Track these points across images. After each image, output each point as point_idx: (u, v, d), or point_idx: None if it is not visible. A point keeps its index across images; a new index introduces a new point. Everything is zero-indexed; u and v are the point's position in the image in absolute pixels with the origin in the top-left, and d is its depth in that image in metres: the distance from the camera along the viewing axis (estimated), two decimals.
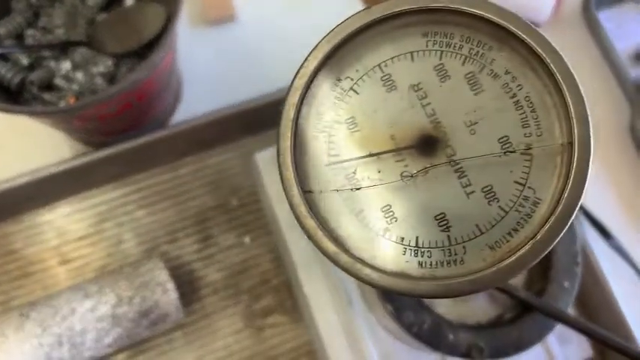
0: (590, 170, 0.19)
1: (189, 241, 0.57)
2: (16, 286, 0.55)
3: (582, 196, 0.19)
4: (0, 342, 0.46)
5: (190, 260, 0.57)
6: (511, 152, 0.20)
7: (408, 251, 0.20)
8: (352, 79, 0.22)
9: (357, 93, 0.22)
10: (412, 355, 0.52)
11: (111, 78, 0.51)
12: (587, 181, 0.19)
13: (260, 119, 0.59)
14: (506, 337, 0.43)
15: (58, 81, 0.51)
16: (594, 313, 0.55)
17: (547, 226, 0.19)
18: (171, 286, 0.50)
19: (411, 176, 0.21)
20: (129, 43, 0.51)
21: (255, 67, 0.62)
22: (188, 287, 0.56)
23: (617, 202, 0.60)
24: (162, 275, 0.50)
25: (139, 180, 0.58)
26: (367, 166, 0.22)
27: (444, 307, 0.46)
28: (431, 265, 0.20)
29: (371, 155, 0.21)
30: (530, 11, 0.63)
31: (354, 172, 0.21)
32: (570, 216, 0.19)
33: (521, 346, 0.43)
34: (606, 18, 0.66)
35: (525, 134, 0.21)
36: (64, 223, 0.57)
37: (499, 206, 0.20)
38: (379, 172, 0.21)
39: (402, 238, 0.21)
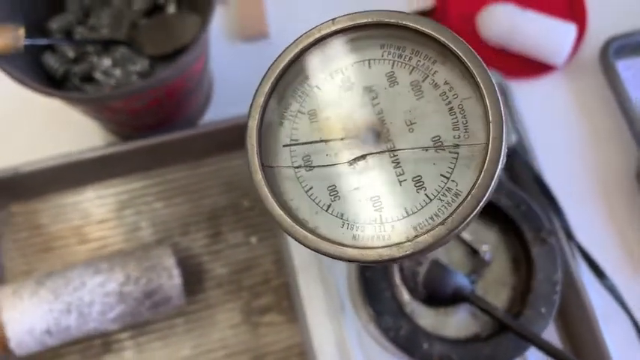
0: (499, 168, 0.22)
1: (200, 236, 0.61)
2: (39, 258, 0.60)
3: (489, 191, 0.22)
4: (16, 303, 0.50)
5: (199, 253, 0.60)
6: (441, 150, 0.23)
7: (346, 225, 0.24)
8: (318, 79, 0.26)
9: (320, 89, 0.26)
10: None
11: (146, 77, 0.56)
12: (495, 178, 0.21)
13: None
14: (478, 353, 0.45)
15: (98, 75, 0.56)
16: (581, 350, 0.56)
17: (454, 215, 0.22)
18: (176, 272, 0.54)
19: (354, 160, 0.24)
20: (165, 47, 0.56)
21: None
22: (194, 278, 0.59)
23: (616, 245, 0.61)
24: (170, 261, 0.54)
25: (161, 174, 0.63)
26: (320, 150, 0.25)
27: (425, 319, 0.48)
28: (363, 238, 0.23)
29: (322, 141, 0.25)
30: (547, 53, 0.65)
31: (309, 155, 0.25)
32: (474, 209, 0.22)
33: None
34: (624, 66, 0.68)
35: (454, 136, 0.24)
36: (88, 206, 0.62)
37: (425, 194, 0.23)
38: (329, 156, 0.25)
39: (342, 214, 0.24)
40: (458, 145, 0.23)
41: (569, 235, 0.57)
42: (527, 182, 0.59)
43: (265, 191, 0.24)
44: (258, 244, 0.61)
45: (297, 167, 0.25)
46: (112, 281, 0.52)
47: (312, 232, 0.23)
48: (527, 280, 0.47)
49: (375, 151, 0.24)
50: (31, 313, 0.50)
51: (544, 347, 0.44)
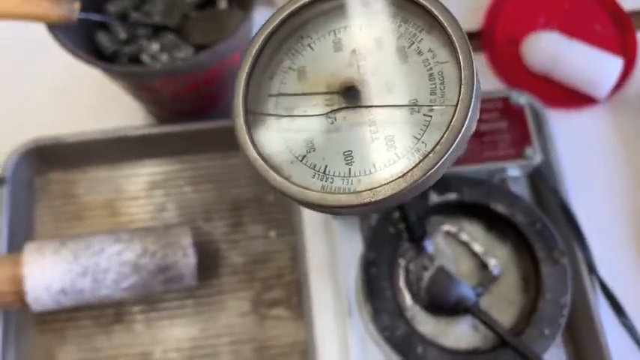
0: (464, 128, 0.22)
1: (222, 224, 0.63)
2: (69, 225, 0.63)
3: (451, 149, 0.22)
4: (38, 259, 0.53)
5: (218, 240, 0.62)
6: (416, 112, 0.24)
7: (317, 175, 0.25)
8: (312, 38, 0.27)
9: (312, 49, 0.27)
10: None
11: None
12: (459, 137, 0.22)
13: None
14: None
15: (145, 58, 0.59)
16: None
17: (414, 169, 0.23)
18: (191, 252, 0.55)
19: (332, 112, 0.25)
20: (210, 38, 0.59)
21: None
22: (210, 263, 0.61)
23: None
24: (187, 240, 0.56)
25: (194, 160, 0.65)
26: (303, 102, 0.26)
27: (425, 326, 0.48)
28: (331, 190, 0.24)
29: (305, 94, 0.26)
30: (590, 85, 0.64)
31: (292, 107, 0.26)
32: (435, 165, 0.22)
33: None
34: None
35: (431, 100, 0.25)
36: (122, 182, 0.64)
37: (395, 153, 0.24)
38: (310, 108, 0.26)
39: (315, 165, 0.25)
40: (432, 107, 0.24)
41: (591, 267, 0.56)
42: (553, 208, 0.57)
43: (245, 136, 0.25)
44: (277, 239, 0.62)
45: (279, 116, 0.26)
46: (129, 251, 0.54)
47: (286, 179, 0.24)
48: (534, 300, 0.46)
49: (352, 105, 0.25)
50: (50, 271, 0.52)
51: None
